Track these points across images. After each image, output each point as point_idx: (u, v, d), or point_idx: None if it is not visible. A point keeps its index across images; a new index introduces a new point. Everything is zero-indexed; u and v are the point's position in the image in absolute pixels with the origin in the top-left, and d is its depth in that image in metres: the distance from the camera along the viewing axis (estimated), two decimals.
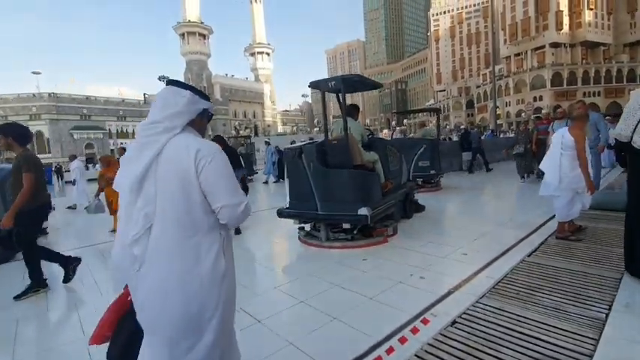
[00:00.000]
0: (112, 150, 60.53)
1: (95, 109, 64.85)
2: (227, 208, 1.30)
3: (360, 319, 2.40)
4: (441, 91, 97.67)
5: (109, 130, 65.58)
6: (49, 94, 59.86)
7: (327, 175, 4.17)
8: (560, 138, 3.71)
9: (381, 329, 2.23)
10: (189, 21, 69.56)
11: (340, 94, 4.28)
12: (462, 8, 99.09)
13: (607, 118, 11.10)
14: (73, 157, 10.71)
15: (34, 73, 59.51)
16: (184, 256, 1.26)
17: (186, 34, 69.67)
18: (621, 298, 2.44)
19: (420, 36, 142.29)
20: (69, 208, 9.40)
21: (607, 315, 2.23)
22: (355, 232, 4.22)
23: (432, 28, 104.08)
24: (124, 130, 66.90)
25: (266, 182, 12.78)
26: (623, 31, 64.50)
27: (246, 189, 5.42)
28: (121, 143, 64.87)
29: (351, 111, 4.72)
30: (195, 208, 1.28)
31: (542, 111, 9.16)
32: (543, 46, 62.69)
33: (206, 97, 1.48)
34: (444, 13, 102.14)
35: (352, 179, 4.10)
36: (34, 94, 59.39)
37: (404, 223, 5.04)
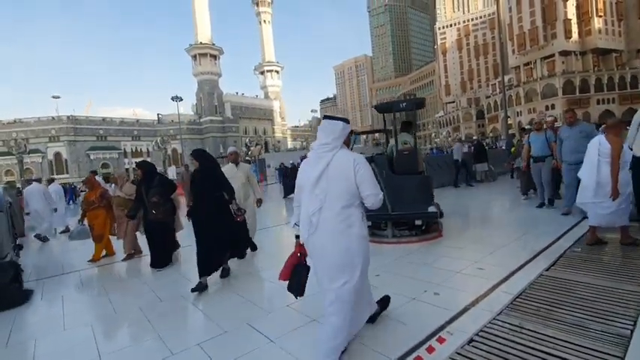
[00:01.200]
0: (126, 169, 61.98)
1: (111, 130, 66.91)
2: (371, 196, 2.08)
3: (374, 338, 2.36)
4: (450, 102, 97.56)
5: (124, 149, 67.37)
6: (68, 117, 62.15)
7: (399, 181, 4.83)
8: (597, 145, 3.76)
9: (396, 348, 2.19)
10: (200, 43, 71.99)
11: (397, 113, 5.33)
12: (469, 21, 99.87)
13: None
14: (51, 181, 9.84)
15: (53, 97, 62.08)
16: (343, 222, 2.08)
17: (197, 56, 72.01)
18: None
19: (426, 49, 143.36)
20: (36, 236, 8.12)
21: (632, 332, 2.13)
22: (424, 227, 4.96)
23: (439, 41, 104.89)
24: (139, 150, 68.60)
25: None
26: (635, 37, 63.65)
27: (238, 240, 4.19)
28: (135, 162, 66.51)
29: (408, 126, 5.55)
30: (351, 195, 2.09)
31: (534, 120, 8.04)
32: (553, 55, 62.35)
33: (348, 122, 2.26)
34: (450, 26, 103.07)
35: (422, 183, 4.93)
36: (53, 117, 61.75)
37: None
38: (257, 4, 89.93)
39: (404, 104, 5.20)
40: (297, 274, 2.27)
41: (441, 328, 2.40)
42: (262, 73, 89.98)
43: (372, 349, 2.22)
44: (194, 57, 72.33)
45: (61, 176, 54.16)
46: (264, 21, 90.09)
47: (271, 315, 2.94)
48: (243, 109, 75.28)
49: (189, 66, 73.73)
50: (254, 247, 5.06)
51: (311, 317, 2.75)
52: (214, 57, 73.84)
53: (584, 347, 2.02)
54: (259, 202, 5.20)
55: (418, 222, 4.99)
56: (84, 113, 69.82)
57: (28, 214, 8.83)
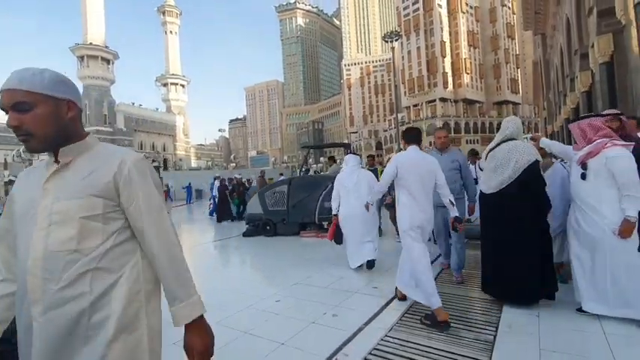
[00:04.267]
0: None
1: None
2: (377, 191, 3.36)
3: None
4: (353, 132, 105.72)
5: None
6: None
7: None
8: None
9: None
10: (90, 44, 63.77)
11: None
12: (370, 62, 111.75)
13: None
14: None
15: None
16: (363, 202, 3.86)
17: (85, 57, 63.36)
18: (505, 319, 2.72)
19: (334, 81, 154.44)
20: None
21: (494, 337, 2.45)
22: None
23: (345, 76, 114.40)
24: None
25: None
26: (491, 92, 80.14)
27: None
28: None
29: (333, 160, 8.24)
30: (371, 190, 4.12)
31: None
32: (434, 100, 73.80)
33: (360, 157, 5.83)
34: (355, 64, 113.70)
35: None
36: None
37: (317, 263, 5.03)
38: (163, 14, 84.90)
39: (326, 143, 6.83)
40: (338, 233, 4.54)
41: (338, 350, 2.38)
42: (165, 85, 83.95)
43: None
44: (81, 58, 63.40)
45: None
46: (171, 31, 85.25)
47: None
48: (140, 122, 68.20)
49: (74, 67, 64.28)
50: None
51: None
52: (107, 61, 65.95)
53: (460, 355, 2.22)
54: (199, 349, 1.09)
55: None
56: None
57: None
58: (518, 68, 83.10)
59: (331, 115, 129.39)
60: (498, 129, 3.32)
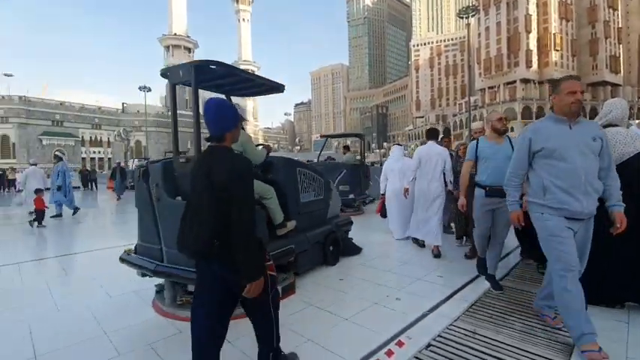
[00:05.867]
0: (82, 158, 58.19)
1: (69, 116, 62.82)
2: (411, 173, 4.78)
3: (335, 341, 2.34)
4: (419, 117, 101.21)
5: (82, 137, 63.30)
6: (20, 97, 57.68)
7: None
8: None
9: (357, 351, 2.18)
10: (175, 34, 69.80)
11: None
12: (441, 41, 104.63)
13: None
14: None
15: (6, 75, 57.34)
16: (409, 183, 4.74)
17: (171, 47, 69.74)
18: None
19: (401, 64, 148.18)
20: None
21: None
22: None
23: (413, 58, 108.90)
24: (99, 139, 64.84)
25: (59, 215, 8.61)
26: (586, 72, 69.76)
27: None
28: (94, 152, 62.84)
29: (347, 149, 9.19)
30: (413, 173, 4.68)
31: (488, 115, 3.72)
32: (514, 82, 66.77)
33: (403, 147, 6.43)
34: (424, 44, 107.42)
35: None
36: (2, 97, 56.98)
37: (379, 246, 5.08)
38: (237, 2, 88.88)
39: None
40: (384, 209, 5.54)
41: (401, 332, 2.43)
42: None
43: (332, 351, 2.20)
44: (167, 48, 69.95)
45: (6, 161, 49.77)
46: (244, 19, 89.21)
47: None
48: None
49: (161, 57, 71.08)
50: None
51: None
52: (189, 50, 71.80)
53: (534, 354, 2.12)
54: None
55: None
56: (40, 96, 64.92)
57: None
58: (620, 44, 70.85)
59: (396, 99, 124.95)
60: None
